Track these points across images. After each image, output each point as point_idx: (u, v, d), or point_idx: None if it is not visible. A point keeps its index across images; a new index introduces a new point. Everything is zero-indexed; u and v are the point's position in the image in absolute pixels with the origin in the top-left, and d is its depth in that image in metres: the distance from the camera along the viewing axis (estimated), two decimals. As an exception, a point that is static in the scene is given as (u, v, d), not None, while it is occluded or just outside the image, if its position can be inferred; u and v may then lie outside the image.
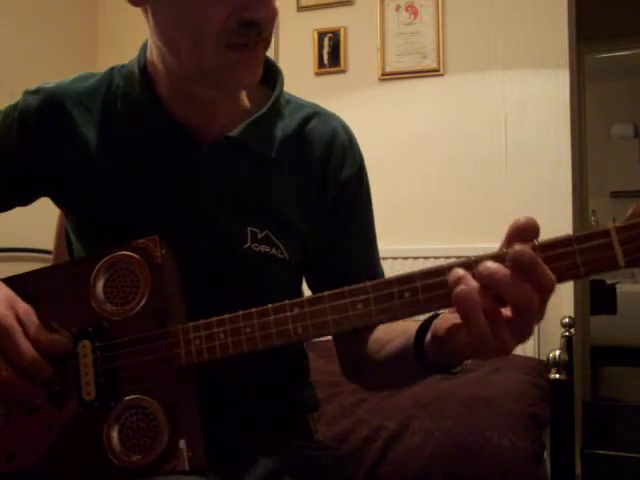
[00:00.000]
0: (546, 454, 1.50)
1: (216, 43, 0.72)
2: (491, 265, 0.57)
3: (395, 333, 0.79)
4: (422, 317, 0.69)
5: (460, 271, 0.59)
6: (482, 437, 1.35)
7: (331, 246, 0.89)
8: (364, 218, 0.93)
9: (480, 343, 0.58)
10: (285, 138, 0.86)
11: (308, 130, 0.88)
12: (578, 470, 2.44)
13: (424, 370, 0.71)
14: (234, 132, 0.82)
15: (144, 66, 0.84)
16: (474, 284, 0.57)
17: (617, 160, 6.01)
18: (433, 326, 0.67)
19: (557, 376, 1.48)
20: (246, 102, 0.87)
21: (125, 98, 0.85)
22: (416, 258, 2.60)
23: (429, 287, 0.62)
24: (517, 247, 0.56)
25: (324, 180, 0.87)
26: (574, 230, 2.50)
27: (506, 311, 0.58)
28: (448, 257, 2.58)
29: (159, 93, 0.83)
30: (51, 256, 1.42)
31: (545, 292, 0.56)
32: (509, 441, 1.33)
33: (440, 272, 0.61)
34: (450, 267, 0.60)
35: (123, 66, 0.88)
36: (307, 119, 0.89)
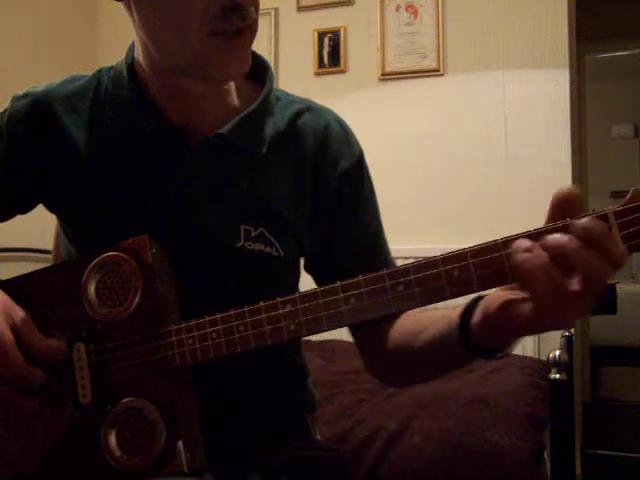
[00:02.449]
0: (546, 454, 1.50)
1: (199, 31, 0.72)
2: (561, 237, 0.55)
3: (428, 322, 0.76)
4: (445, 305, 0.66)
5: (526, 241, 0.56)
6: (482, 437, 1.35)
7: (338, 241, 0.88)
8: (369, 209, 0.91)
9: (545, 315, 0.56)
10: (276, 134, 0.85)
11: (300, 125, 0.87)
12: (578, 470, 2.44)
13: (468, 355, 0.68)
14: (224, 129, 0.81)
15: (132, 66, 0.83)
16: (542, 254, 0.55)
17: (617, 160, 6.01)
18: (482, 308, 0.63)
19: (557, 376, 1.48)
20: (236, 100, 0.86)
21: (114, 99, 0.84)
22: (416, 258, 2.60)
23: (424, 280, 0.61)
24: (586, 219, 0.55)
25: (320, 174, 0.86)
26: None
27: (572, 282, 0.55)
28: (448, 257, 2.58)
29: (147, 93, 0.82)
30: (51, 256, 1.42)
31: (616, 262, 0.54)
32: (509, 441, 1.33)
33: (434, 264, 0.60)
34: (444, 258, 0.59)
35: (111, 67, 0.88)
36: (298, 114, 0.88)
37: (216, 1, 0.71)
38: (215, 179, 0.83)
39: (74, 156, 0.83)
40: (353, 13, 2.85)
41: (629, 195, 0.56)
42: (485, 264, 0.59)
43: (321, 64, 2.88)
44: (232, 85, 0.86)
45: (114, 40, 3.09)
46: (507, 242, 0.58)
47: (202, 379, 0.73)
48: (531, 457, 1.32)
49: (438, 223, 2.68)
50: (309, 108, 0.89)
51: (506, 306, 0.59)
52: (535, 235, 0.57)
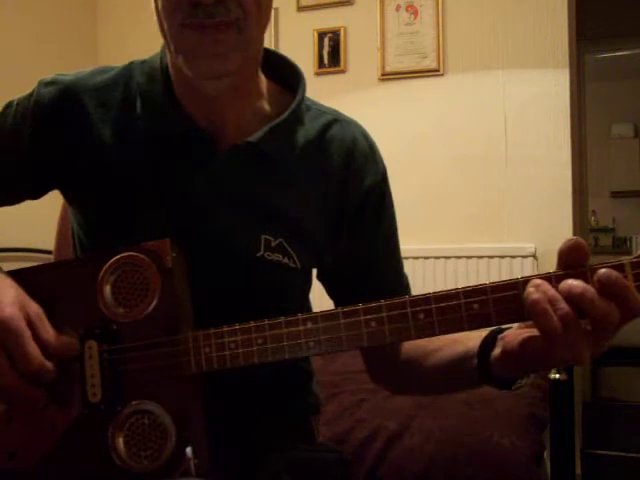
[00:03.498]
0: (546, 454, 1.50)
1: (174, 23, 0.71)
2: (579, 286, 0.57)
3: (443, 342, 0.78)
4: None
5: (542, 283, 0.59)
6: (482, 437, 1.35)
7: (354, 256, 0.88)
8: (388, 228, 0.91)
9: (557, 354, 0.58)
10: (306, 145, 0.84)
11: (328, 137, 0.86)
12: (578, 470, 2.43)
13: (481, 382, 0.71)
14: (254, 137, 0.80)
15: (166, 65, 0.82)
16: (550, 292, 0.58)
17: (617, 160, 6.01)
18: (503, 342, 0.66)
19: (557, 376, 1.48)
20: (266, 106, 0.84)
21: (145, 97, 0.82)
22: (416, 258, 2.60)
23: (444, 310, 0.62)
24: (605, 269, 0.57)
25: (345, 189, 0.86)
26: (574, 230, 2.50)
27: (585, 324, 0.58)
28: (448, 257, 2.58)
29: (177, 93, 0.81)
30: (51, 256, 1.42)
31: (630, 314, 0.57)
32: (509, 441, 1.33)
33: (455, 296, 0.62)
34: (465, 291, 0.61)
35: (144, 61, 0.86)
36: (327, 126, 0.87)
37: None
38: (241, 186, 0.81)
39: (99, 150, 0.81)
40: (353, 13, 2.85)
41: None
42: (504, 300, 0.61)
43: (321, 64, 2.88)
44: (263, 89, 0.85)
45: (114, 40, 3.09)
46: (527, 280, 0.60)
47: (209, 380, 0.73)
48: (531, 457, 1.32)
49: (438, 223, 2.68)
50: (337, 120, 0.88)
51: (526, 342, 0.61)
52: (554, 278, 0.59)
